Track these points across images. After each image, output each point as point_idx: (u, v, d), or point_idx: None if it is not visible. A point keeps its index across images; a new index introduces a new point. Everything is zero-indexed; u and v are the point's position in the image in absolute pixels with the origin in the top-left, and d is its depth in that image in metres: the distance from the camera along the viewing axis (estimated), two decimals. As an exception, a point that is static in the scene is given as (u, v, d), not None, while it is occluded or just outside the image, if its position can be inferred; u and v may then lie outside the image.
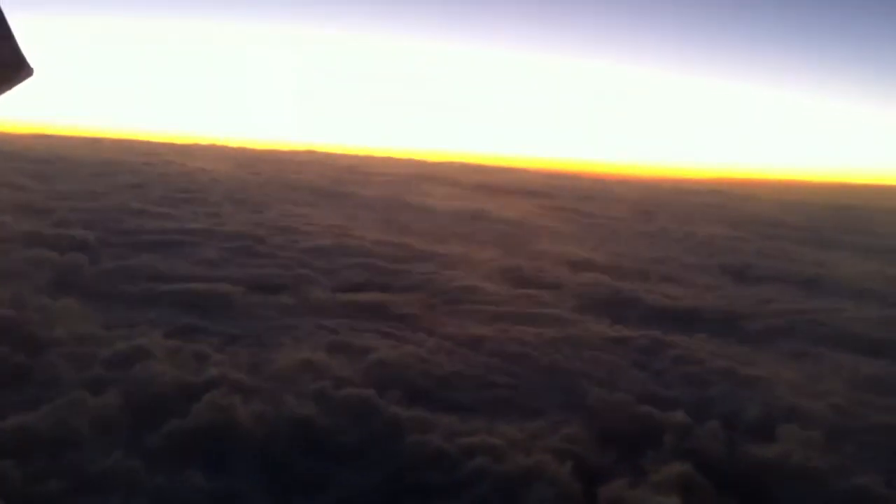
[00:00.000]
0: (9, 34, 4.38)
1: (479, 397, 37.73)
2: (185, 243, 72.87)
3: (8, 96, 4.77)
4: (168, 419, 29.67)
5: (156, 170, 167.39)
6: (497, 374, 41.16)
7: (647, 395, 38.58)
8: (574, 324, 52.54)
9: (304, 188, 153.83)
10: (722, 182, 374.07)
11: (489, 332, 48.10)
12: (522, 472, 27.92)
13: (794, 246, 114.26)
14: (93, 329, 41.78)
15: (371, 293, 58.08)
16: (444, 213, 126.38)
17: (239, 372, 36.03)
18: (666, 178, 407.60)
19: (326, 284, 60.28)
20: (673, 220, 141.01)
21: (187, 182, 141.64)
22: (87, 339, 39.48)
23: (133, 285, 54.15)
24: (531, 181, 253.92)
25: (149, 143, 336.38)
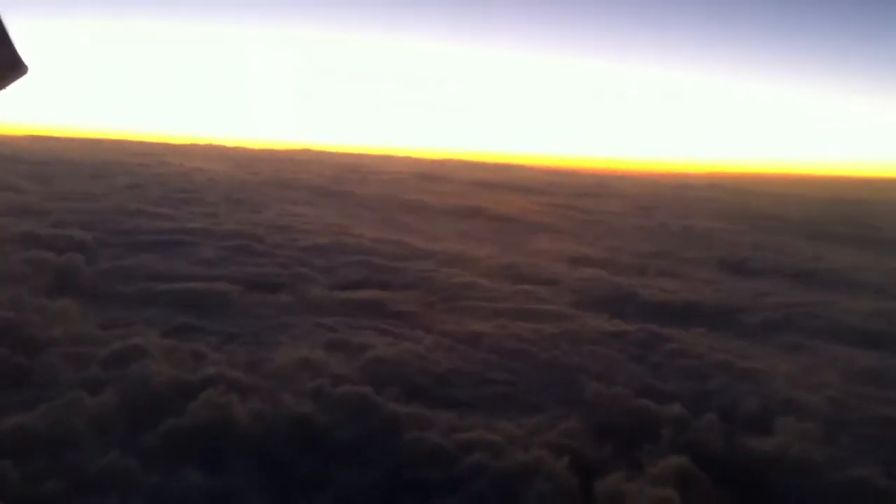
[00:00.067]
0: (4, 32, 4.40)
1: (477, 394, 37.74)
2: (183, 243, 72.85)
3: (4, 97, 4.80)
4: (165, 418, 29.63)
5: (153, 170, 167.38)
6: (495, 371, 41.16)
7: (645, 388, 38.58)
8: (572, 319, 52.56)
9: (302, 187, 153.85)
10: (719, 176, 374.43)
11: (487, 329, 48.13)
12: (520, 467, 27.93)
13: (791, 239, 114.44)
14: (90, 329, 41.75)
15: (369, 291, 58.03)
16: (442, 211, 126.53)
17: (236, 370, 36.00)
18: (664, 173, 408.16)
19: (324, 282, 60.25)
20: (671, 215, 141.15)
21: (185, 182, 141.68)
22: (85, 340, 39.45)
23: (130, 285, 54.13)
24: (529, 178, 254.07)
25: (146, 144, 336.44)
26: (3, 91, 4.70)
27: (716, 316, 57.57)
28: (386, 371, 38.10)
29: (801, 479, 29.23)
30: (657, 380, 40.99)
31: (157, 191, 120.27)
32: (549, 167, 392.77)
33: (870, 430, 34.34)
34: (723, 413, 35.00)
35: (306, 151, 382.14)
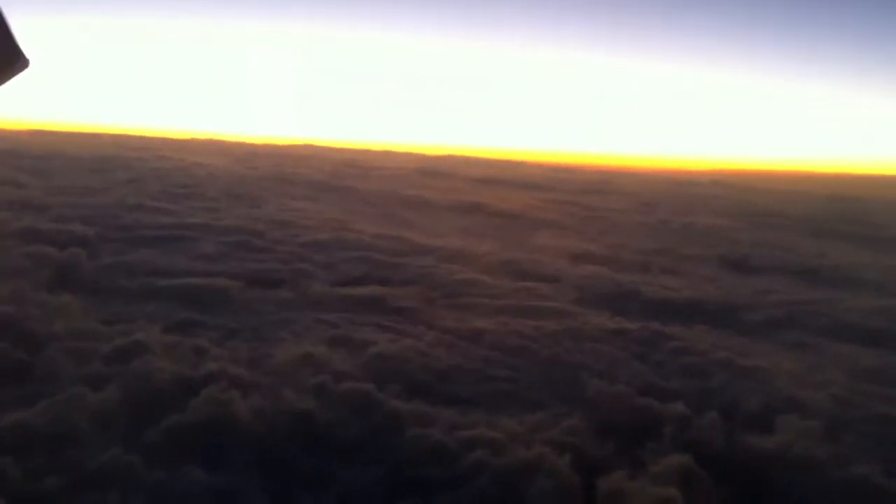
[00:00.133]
0: (4, 26, 4.34)
1: (478, 390, 37.69)
2: (184, 238, 72.83)
3: (5, 91, 4.73)
4: (167, 414, 29.63)
5: (153, 165, 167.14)
6: (497, 368, 41.13)
7: (647, 386, 38.58)
8: (574, 316, 52.51)
9: (303, 183, 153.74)
10: (721, 173, 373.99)
11: (489, 326, 48.09)
12: (522, 465, 27.89)
13: (794, 237, 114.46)
14: (92, 324, 41.74)
15: (370, 287, 57.99)
16: (444, 207, 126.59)
17: (238, 366, 35.99)
18: (666, 169, 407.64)
19: (325, 278, 60.24)
20: (673, 212, 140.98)
21: (185, 177, 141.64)
22: (87, 335, 39.40)
23: (132, 280, 54.18)
24: (531, 174, 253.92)
25: (146, 139, 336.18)
26: (4, 85, 4.63)
27: (718, 313, 57.51)
28: (388, 368, 38.09)
29: (803, 478, 29.19)
30: (659, 378, 40.96)
31: (157, 185, 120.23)
32: (551, 163, 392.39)
33: (872, 428, 34.31)
34: (725, 411, 34.93)
35: (307, 147, 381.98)
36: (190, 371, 34.69)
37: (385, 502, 26.42)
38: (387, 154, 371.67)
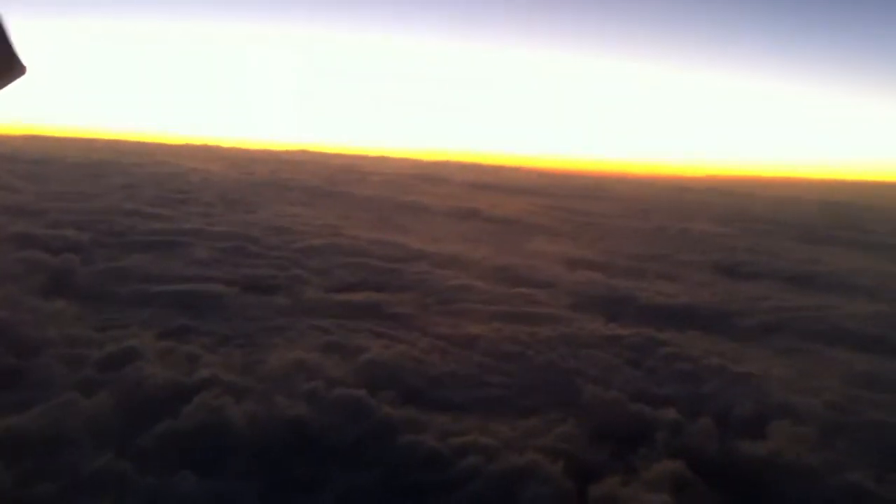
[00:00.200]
0: (2, 33, 4.37)
1: (472, 396, 37.66)
2: (178, 244, 72.75)
3: (1, 96, 4.78)
4: (160, 420, 29.58)
5: (148, 170, 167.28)
6: (491, 374, 41.10)
7: (641, 392, 38.58)
8: (568, 322, 52.52)
9: (298, 188, 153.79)
10: (716, 180, 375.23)
11: (483, 332, 48.04)
12: (515, 471, 27.88)
13: (787, 243, 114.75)
14: (85, 330, 41.76)
15: (365, 293, 58.02)
16: (439, 213, 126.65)
17: (231, 373, 36.00)
18: (661, 175, 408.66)
19: (320, 284, 60.23)
20: (668, 218, 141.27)
21: (180, 183, 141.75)
22: (80, 341, 39.42)
23: (125, 286, 54.11)
24: (526, 180, 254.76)
25: (141, 144, 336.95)
26: (1, 91, 4.68)
27: (712, 319, 57.59)
28: (381, 374, 38.05)
29: (796, 483, 29.17)
30: (653, 384, 40.96)
31: (152, 191, 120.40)
32: (546, 169, 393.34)
33: (865, 434, 34.24)
34: (718, 417, 34.98)
35: (303, 152, 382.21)
36: (183, 377, 34.63)
37: (378, 508, 26.48)
38: (382, 159, 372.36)
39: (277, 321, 48.32)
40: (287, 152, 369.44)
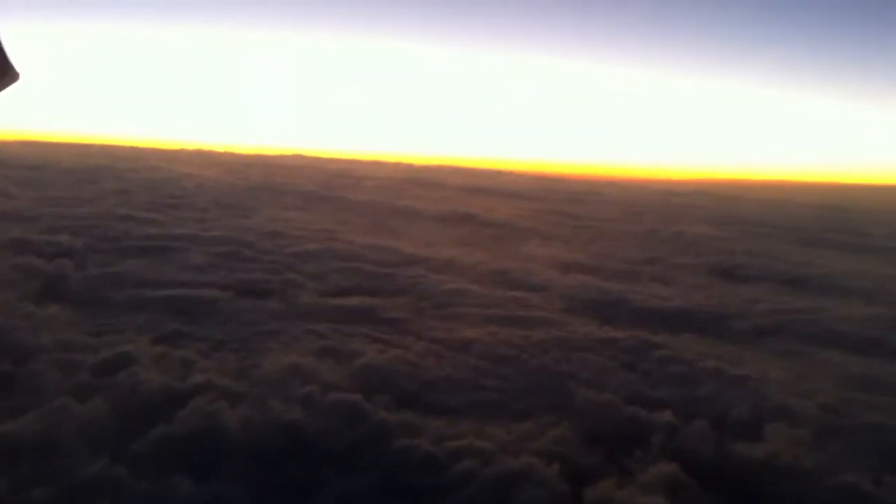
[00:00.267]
0: None
1: (467, 400, 37.61)
2: (173, 249, 72.59)
3: None
4: (155, 425, 29.57)
5: (142, 175, 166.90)
6: (485, 377, 41.05)
7: (635, 395, 38.59)
8: (562, 326, 52.50)
9: (293, 192, 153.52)
10: (710, 183, 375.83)
11: (478, 335, 48.00)
12: (510, 474, 27.89)
13: (782, 245, 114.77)
14: (79, 336, 41.70)
15: (359, 297, 58.00)
16: (434, 217, 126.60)
17: (226, 377, 35.98)
18: (654, 179, 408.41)
19: (315, 289, 60.16)
20: (661, 221, 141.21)
21: (174, 188, 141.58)
22: (74, 346, 39.35)
23: (120, 291, 54.04)
24: (520, 184, 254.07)
25: (136, 149, 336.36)
26: None
27: (707, 322, 57.62)
28: (376, 378, 38.01)
29: (792, 486, 29.23)
30: (648, 386, 40.95)
31: (146, 196, 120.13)
32: (539, 173, 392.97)
33: (861, 436, 34.28)
34: (713, 420, 35.03)
35: (297, 157, 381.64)
36: (178, 382, 34.62)
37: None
38: (376, 164, 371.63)
39: (272, 326, 48.26)
40: (281, 157, 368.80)
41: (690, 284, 75.63)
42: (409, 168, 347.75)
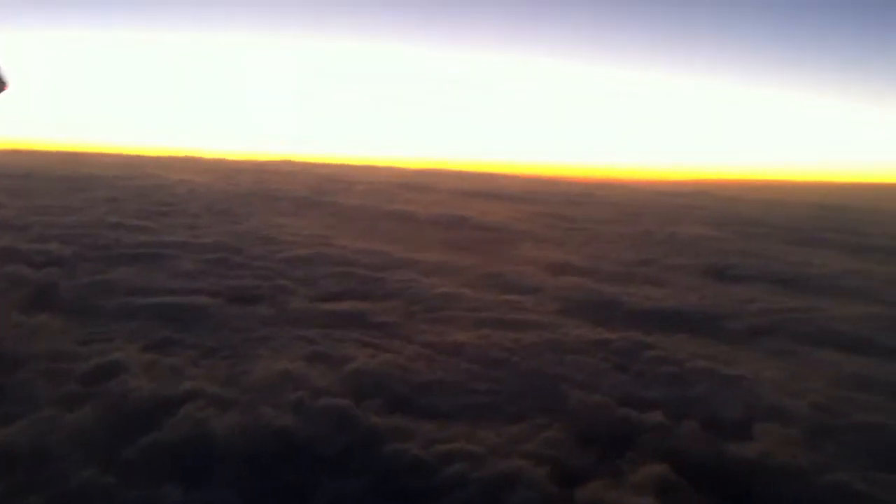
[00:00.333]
0: None
1: (459, 404, 37.45)
2: (163, 256, 72.45)
3: None
4: (145, 433, 29.49)
5: (133, 183, 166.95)
6: (477, 381, 40.89)
7: (628, 396, 38.53)
8: (555, 328, 52.42)
9: (284, 198, 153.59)
10: (704, 183, 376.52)
11: (469, 339, 47.94)
12: (501, 476, 27.79)
13: (777, 245, 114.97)
14: (69, 344, 41.59)
15: (351, 302, 57.84)
16: (425, 221, 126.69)
17: (216, 384, 35.83)
18: (649, 180, 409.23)
19: (306, 294, 60.07)
20: (656, 222, 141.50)
21: (165, 195, 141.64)
22: (63, 355, 39.20)
23: (110, 299, 53.83)
24: (514, 187, 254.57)
25: (126, 157, 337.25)
26: None
27: (701, 322, 57.56)
28: (367, 382, 37.86)
29: (783, 485, 29.17)
30: (640, 388, 40.87)
31: (136, 203, 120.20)
32: (532, 175, 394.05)
33: (853, 436, 34.24)
34: (705, 420, 34.91)
35: (288, 162, 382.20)
36: (168, 390, 34.47)
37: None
38: (368, 169, 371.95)
39: (262, 332, 48.12)
40: (271, 162, 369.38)
41: (685, 285, 75.57)
42: (401, 172, 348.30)
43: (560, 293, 66.15)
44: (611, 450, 31.42)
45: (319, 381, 37.17)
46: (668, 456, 30.32)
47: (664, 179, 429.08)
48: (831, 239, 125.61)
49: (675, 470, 28.94)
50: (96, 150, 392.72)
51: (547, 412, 36.06)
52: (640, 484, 27.81)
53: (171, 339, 44.84)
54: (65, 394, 33.66)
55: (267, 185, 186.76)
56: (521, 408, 37.01)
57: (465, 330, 50.50)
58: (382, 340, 47.47)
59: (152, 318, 49.54)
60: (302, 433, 30.92)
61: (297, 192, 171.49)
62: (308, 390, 34.88)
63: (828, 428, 34.96)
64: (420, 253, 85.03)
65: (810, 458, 31.15)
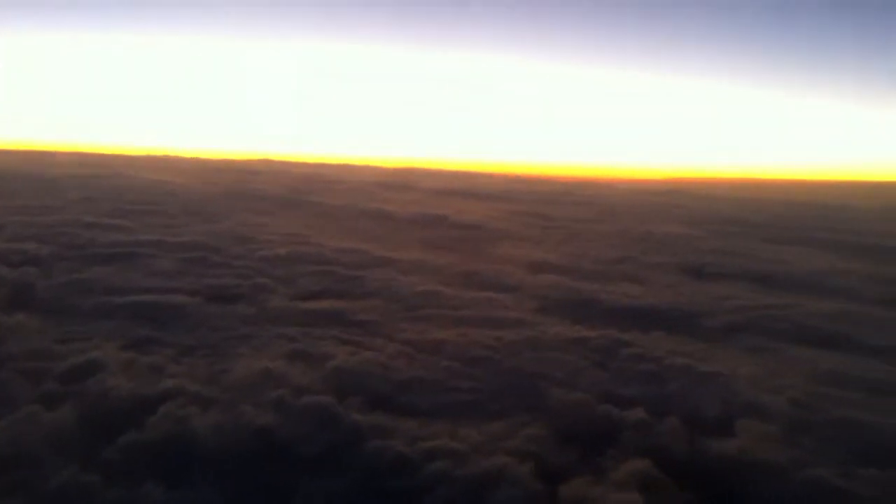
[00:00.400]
0: None
1: (439, 401, 37.48)
2: (140, 255, 72.13)
3: None
4: (125, 432, 29.32)
5: (110, 182, 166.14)
6: (458, 378, 40.92)
7: (608, 394, 38.65)
8: (534, 326, 52.53)
9: (262, 198, 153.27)
10: (684, 182, 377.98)
11: (449, 337, 47.97)
12: (483, 474, 27.82)
13: (753, 243, 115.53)
14: (47, 344, 41.31)
15: (330, 300, 57.82)
16: (404, 219, 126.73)
17: (195, 383, 35.68)
18: (628, 179, 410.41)
19: (285, 293, 59.96)
20: (633, 221, 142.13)
21: (142, 194, 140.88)
22: (41, 354, 38.98)
23: (87, 299, 53.52)
24: (492, 186, 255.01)
25: (102, 156, 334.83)
26: None
27: (678, 320, 57.81)
28: (348, 381, 37.84)
29: (763, 480, 29.38)
30: (619, 385, 41.01)
31: (113, 203, 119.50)
32: (512, 174, 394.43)
33: (830, 431, 34.50)
34: (685, 416, 35.08)
35: (265, 161, 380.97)
36: (147, 388, 34.32)
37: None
38: (346, 168, 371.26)
39: (242, 330, 47.99)
40: (249, 162, 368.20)
41: (662, 283, 75.89)
42: (380, 171, 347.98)
43: (538, 291, 66.33)
44: (592, 446, 31.53)
45: (300, 380, 37.15)
46: (650, 452, 30.49)
47: (642, 179, 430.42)
48: (805, 236, 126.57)
49: (657, 466, 29.10)
50: (73, 149, 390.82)
51: (528, 410, 36.18)
52: (623, 480, 27.93)
53: (149, 338, 44.66)
54: (43, 393, 33.48)
55: (244, 185, 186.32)
56: (502, 405, 37.09)
57: (445, 328, 50.52)
58: (362, 338, 47.45)
59: (130, 316, 49.34)
60: (283, 431, 30.88)
61: (276, 191, 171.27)
62: (289, 388, 34.85)
63: (806, 424, 35.21)
64: (399, 251, 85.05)
65: (789, 453, 31.39)
